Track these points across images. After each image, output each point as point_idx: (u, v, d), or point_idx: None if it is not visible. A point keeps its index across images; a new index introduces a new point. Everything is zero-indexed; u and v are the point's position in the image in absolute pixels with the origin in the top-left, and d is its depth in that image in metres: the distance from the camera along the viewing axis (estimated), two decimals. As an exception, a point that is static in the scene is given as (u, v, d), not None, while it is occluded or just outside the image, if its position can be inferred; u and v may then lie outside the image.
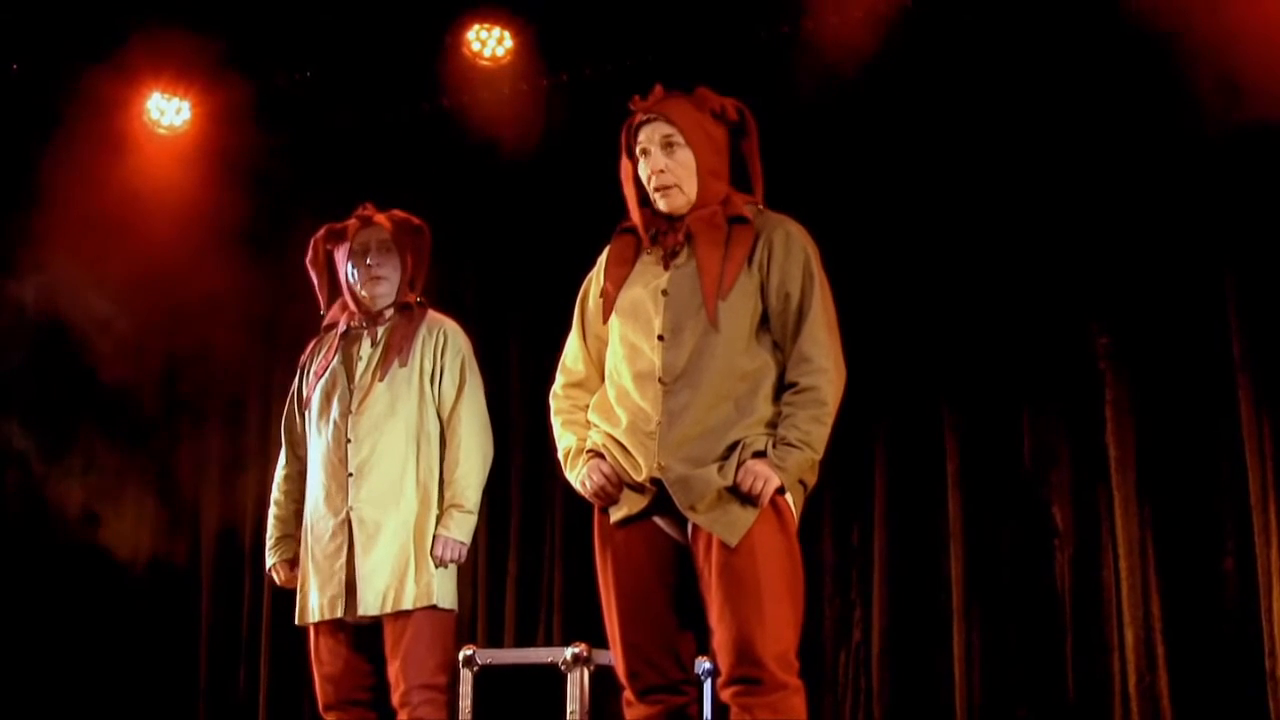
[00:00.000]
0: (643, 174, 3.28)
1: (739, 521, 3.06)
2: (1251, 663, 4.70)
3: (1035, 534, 5.20)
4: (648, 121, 3.25)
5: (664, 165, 3.22)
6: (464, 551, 3.99)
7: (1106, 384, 5.12)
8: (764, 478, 3.07)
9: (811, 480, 3.19)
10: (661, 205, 3.26)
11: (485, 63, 6.03)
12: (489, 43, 6.01)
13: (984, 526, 5.26)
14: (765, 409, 3.14)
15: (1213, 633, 4.84)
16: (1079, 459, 5.17)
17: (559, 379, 3.43)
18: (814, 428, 3.10)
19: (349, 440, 3.98)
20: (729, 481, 3.07)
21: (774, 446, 3.09)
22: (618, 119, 3.33)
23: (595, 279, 3.39)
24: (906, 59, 5.37)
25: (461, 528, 3.98)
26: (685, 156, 3.23)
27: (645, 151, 3.26)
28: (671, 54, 5.59)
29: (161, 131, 6.40)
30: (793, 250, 3.20)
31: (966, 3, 5.37)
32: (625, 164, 3.32)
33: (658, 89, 3.29)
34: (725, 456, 3.10)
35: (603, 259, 3.39)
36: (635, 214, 3.32)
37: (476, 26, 6.00)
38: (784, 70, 5.47)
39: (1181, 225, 5.04)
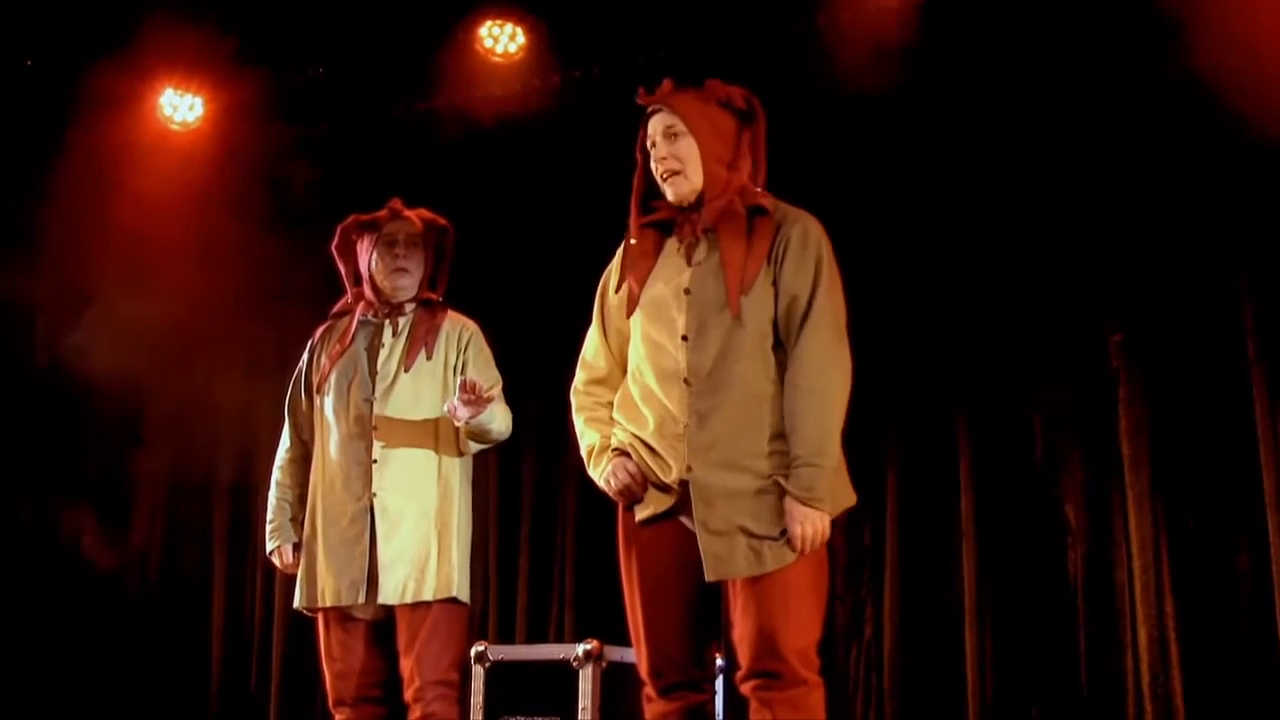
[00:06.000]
0: (654, 168, 3.29)
1: (771, 560, 3.07)
2: (1265, 662, 4.69)
3: (1048, 532, 5.20)
4: (654, 114, 3.28)
5: (666, 153, 3.24)
6: (480, 412, 3.87)
7: (1120, 382, 5.12)
8: (815, 531, 3.05)
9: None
10: (669, 194, 3.27)
11: (497, 59, 6.03)
12: (501, 39, 6.01)
13: (997, 525, 5.26)
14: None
15: (1226, 632, 4.83)
16: (1092, 457, 5.17)
17: (580, 375, 3.41)
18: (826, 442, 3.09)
19: (374, 427, 3.99)
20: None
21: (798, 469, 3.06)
22: (630, 116, 3.33)
23: (613, 272, 3.38)
24: (920, 56, 5.35)
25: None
26: (688, 144, 3.23)
27: (653, 144, 3.28)
28: (684, 51, 5.57)
29: (174, 128, 6.40)
30: (808, 247, 3.19)
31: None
32: (640, 160, 3.33)
33: (666, 83, 3.30)
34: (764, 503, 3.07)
35: (620, 252, 3.37)
36: (633, 209, 3.32)
37: (489, 23, 6.00)
38: (797, 67, 5.46)
39: (1195, 223, 5.04)
